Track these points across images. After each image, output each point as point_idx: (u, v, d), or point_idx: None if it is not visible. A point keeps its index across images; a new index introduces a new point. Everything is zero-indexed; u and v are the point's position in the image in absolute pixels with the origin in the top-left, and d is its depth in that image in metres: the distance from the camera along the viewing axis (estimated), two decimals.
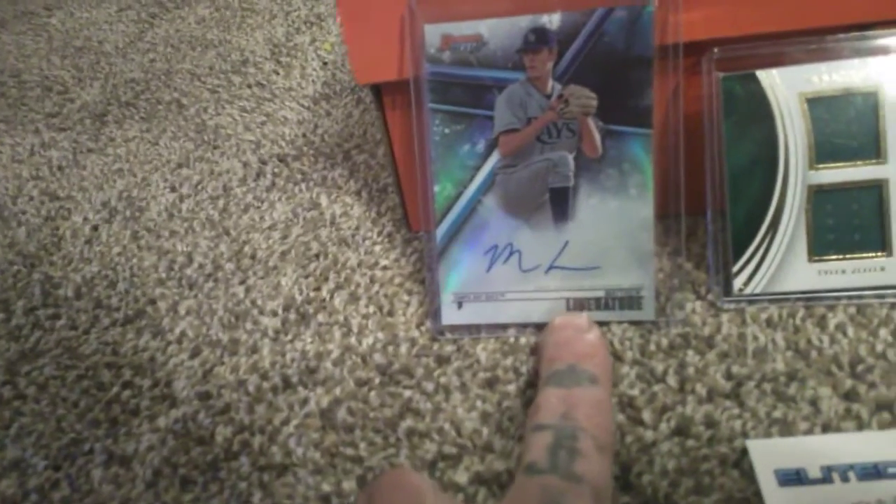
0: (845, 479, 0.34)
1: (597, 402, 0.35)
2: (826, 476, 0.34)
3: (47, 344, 0.51)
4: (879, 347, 0.40)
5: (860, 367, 0.39)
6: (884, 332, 0.41)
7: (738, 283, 0.44)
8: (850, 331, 0.42)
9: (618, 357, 0.42)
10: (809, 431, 0.37)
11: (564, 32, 0.43)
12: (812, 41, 0.43)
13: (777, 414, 0.38)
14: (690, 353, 0.42)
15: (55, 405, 0.46)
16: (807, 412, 0.38)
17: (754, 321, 0.43)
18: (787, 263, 0.43)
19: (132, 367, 0.48)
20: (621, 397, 0.40)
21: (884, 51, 0.42)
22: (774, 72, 0.43)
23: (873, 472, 0.34)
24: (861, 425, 0.37)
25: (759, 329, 0.42)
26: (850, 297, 0.43)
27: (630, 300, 0.44)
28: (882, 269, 0.43)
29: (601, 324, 0.44)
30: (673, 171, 0.43)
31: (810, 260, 0.43)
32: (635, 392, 0.40)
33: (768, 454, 0.36)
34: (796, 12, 0.42)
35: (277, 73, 0.84)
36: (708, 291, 0.45)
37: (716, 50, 0.44)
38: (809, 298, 0.44)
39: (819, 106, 0.43)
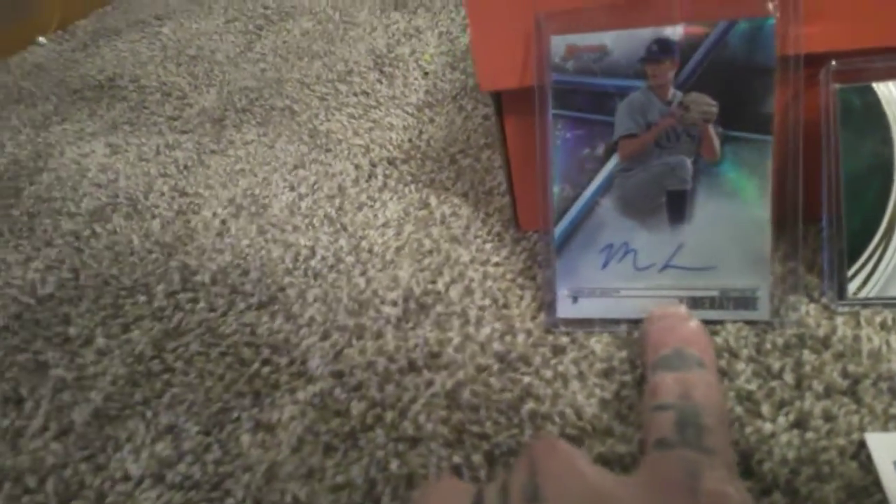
0: None
1: (709, 384, 0.37)
2: None
3: (189, 324, 0.56)
4: None
5: None
6: None
7: (852, 287, 0.45)
8: None
9: (733, 354, 0.44)
10: None
11: (687, 43, 0.45)
12: None
13: (893, 411, 0.39)
14: (806, 352, 0.43)
15: (202, 378, 0.51)
16: None
17: (868, 324, 0.44)
18: None
19: (269, 346, 0.52)
20: (739, 391, 0.42)
21: None
22: (891, 84, 0.45)
23: None
24: None
25: (873, 331, 0.44)
26: None
27: (745, 300, 0.46)
28: None
29: (715, 322, 0.46)
30: (791, 177, 0.45)
31: None
32: (753, 387, 0.42)
33: (887, 447, 0.37)
34: None
35: (381, 83, 0.89)
36: (821, 295, 0.47)
37: (833, 62, 0.45)
38: None
39: None
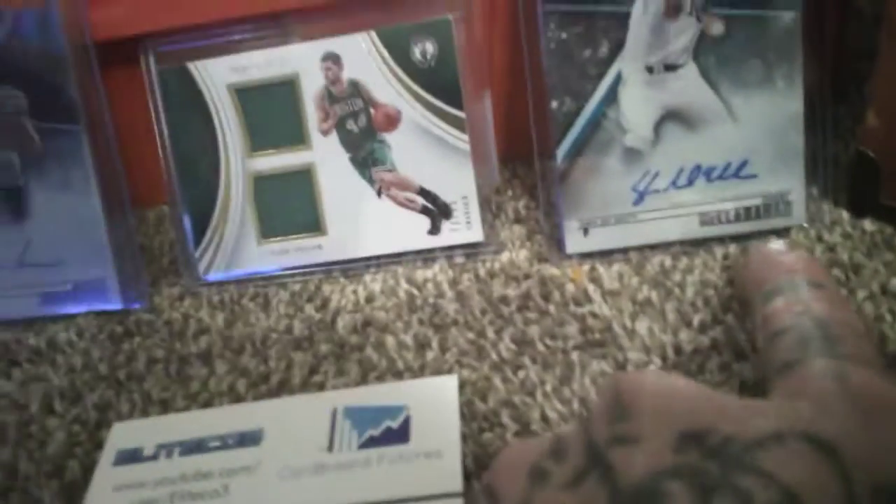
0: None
1: (831, 299, 0.27)
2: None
3: None
4: None
5: None
6: None
7: (202, 267, 0.45)
8: None
9: None
10: None
11: None
12: (235, 31, 0.42)
13: None
14: None
15: None
16: None
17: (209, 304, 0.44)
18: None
19: None
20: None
21: (302, 37, 0.42)
22: (207, 63, 0.42)
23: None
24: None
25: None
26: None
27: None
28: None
29: None
30: (112, 164, 0.43)
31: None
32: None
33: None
34: (209, 4, 0.42)
35: None
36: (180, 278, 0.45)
37: (149, 46, 0.43)
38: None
39: (247, 95, 0.42)
